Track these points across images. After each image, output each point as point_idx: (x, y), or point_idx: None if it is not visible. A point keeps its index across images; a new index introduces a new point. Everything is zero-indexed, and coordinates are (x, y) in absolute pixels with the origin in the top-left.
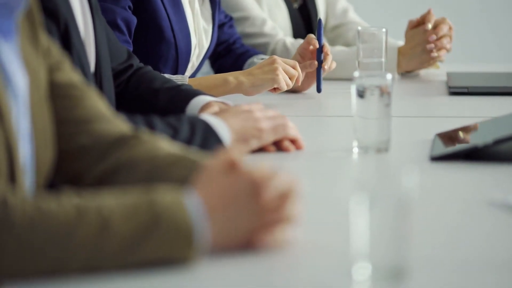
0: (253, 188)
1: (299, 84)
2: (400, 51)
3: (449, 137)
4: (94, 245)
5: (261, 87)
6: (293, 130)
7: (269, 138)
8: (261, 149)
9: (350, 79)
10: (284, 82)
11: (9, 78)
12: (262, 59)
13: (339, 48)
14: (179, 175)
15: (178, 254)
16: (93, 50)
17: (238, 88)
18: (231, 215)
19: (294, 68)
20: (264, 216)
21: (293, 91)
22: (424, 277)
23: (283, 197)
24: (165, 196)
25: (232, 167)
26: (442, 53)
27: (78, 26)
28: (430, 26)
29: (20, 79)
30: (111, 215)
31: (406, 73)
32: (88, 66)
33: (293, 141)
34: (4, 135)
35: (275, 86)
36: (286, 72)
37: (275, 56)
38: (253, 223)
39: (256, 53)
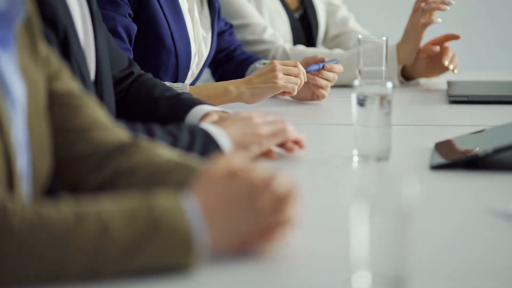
0: (251, 191)
1: (305, 79)
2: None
3: (449, 145)
4: (94, 250)
5: (261, 95)
6: (293, 133)
7: (269, 143)
8: (263, 155)
9: (345, 85)
10: (288, 83)
11: (8, 88)
12: (264, 63)
13: (337, 51)
14: (178, 181)
15: (177, 258)
16: (93, 58)
17: (239, 98)
18: (230, 218)
19: (295, 66)
20: (262, 219)
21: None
22: (424, 286)
23: (282, 200)
24: (164, 200)
25: (231, 173)
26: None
27: (78, 34)
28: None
29: (18, 88)
30: (110, 220)
31: (407, 82)
32: (88, 73)
33: (296, 142)
34: (3, 144)
35: (277, 93)
36: (288, 72)
37: (274, 62)
38: (251, 226)
39: (257, 59)
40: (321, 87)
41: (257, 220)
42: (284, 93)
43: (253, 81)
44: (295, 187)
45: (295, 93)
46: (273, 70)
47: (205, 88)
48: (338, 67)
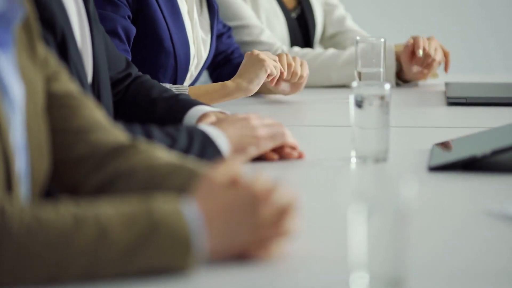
0: (253, 201)
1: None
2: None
3: (447, 147)
4: (92, 253)
5: (256, 79)
6: (291, 138)
7: (267, 146)
8: (263, 158)
9: (322, 86)
10: (272, 62)
11: (6, 89)
12: None
13: (331, 51)
14: (177, 184)
15: (176, 263)
16: (90, 60)
17: (238, 89)
18: (229, 227)
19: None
20: (261, 230)
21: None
22: (422, 287)
23: (282, 212)
24: (163, 204)
25: (234, 181)
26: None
27: (75, 35)
28: (420, 52)
29: (16, 90)
30: (109, 223)
31: (405, 83)
32: (85, 75)
33: (292, 149)
34: (1, 146)
35: (269, 72)
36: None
37: (250, 51)
38: (250, 236)
39: None
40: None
41: (256, 231)
42: (272, 80)
43: (243, 70)
44: (296, 199)
45: (283, 76)
46: (252, 53)
47: (203, 86)
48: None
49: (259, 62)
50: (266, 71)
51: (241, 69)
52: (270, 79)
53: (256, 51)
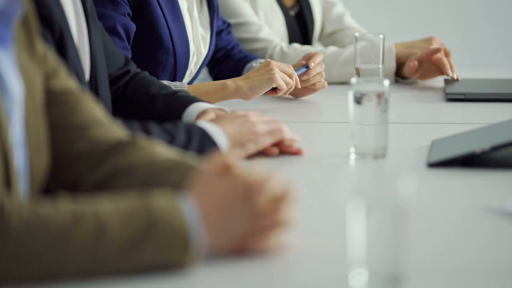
0: (247, 192)
1: (299, 86)
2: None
3: (446, 143)
4: (91, 250)
5: (259, 88)
6: (289, 134)
7: (265, 142)
8: (263, 154)
9: (342, 82)
10: (283, 81)
11: (6, 85)
12: (261, 63)
13: (331, 48)
14: (177, 180)
15: (174, 258)
16: (87, 57)
17: (237, 92)
18: (226, 219)
19: (289, 68)
20: (258, 221)
21: (292, 95)
22: (421, 284)
23: (278, 201)
24: (161, 200)
25: (226, 170)
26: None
27: (72, 32)
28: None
29: (16, 86)
30: (108, 220)
31: (404, 79)
32: (83, 72)
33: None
34: (0, 143)
35: (274, 86)
36: (283, 71)
37: (269, 60)
38: (247, 227)
39: (254, 58)
40: (318, 81)
41: (252, 221)
42: (272, 92)
43: (250, 75)
44: (291, 188)
45: (286, 93)
46: (268, 65)
47: (203, 85)
48: (319, 58)
49: (268, 73)
50: (270, 85)
51: (250, 73)
52: (276, 90)
53: (274, 62)
